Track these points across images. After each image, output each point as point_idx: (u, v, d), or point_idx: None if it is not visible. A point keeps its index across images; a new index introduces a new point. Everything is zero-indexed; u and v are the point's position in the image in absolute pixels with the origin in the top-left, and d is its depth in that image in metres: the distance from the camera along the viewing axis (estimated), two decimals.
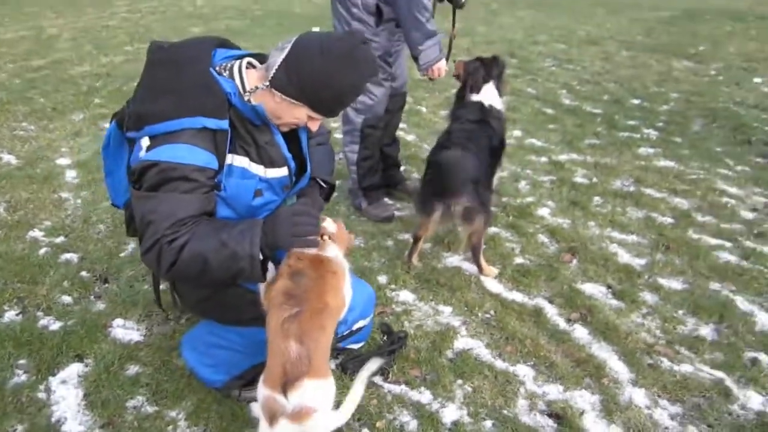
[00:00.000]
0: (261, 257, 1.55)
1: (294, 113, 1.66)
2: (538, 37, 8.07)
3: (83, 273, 2.70)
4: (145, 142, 1.57)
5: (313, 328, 1.50)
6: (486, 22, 9.04)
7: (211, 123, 1.58)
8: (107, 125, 4.48)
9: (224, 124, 1.60)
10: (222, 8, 10.09)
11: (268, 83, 1.62)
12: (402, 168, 3.59)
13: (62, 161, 3.89)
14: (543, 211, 3.30)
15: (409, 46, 2.83)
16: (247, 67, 1.70)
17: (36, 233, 3.01)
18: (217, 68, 1.68)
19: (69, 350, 2.21)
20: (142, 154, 1.57)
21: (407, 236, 3.03)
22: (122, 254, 2.85)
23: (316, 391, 1.45)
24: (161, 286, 2.07)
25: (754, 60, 6.87)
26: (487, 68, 2.81)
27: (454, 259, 2.86)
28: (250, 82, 1.67)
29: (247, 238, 1.53)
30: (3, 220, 3.14)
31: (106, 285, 2.62)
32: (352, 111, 3.07)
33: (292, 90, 1.61)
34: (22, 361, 2.16)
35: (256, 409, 1.96)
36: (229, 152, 1.67)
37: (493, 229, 3.05)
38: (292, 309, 1.50)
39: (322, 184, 1.95)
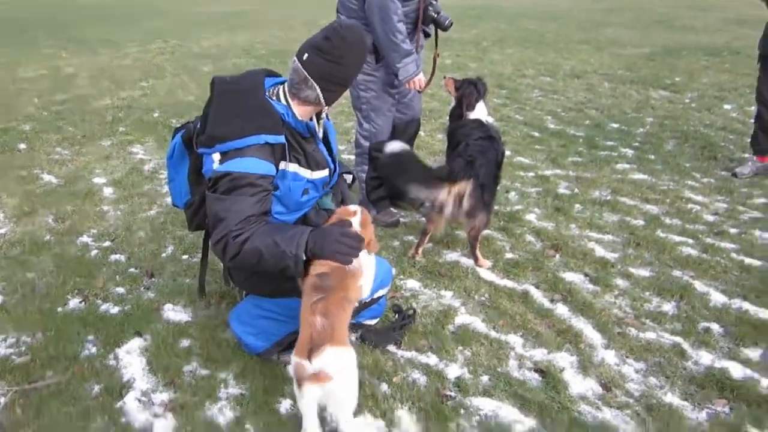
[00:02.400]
0: (304, 258, 1.94)
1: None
2: (526, 71, 8.67)
3: (132, 269, 3.11)
4: (216, 156, 2.01)
5: (335, 306, 1.87)
6: (477, 59, 9.66)
7: (271, 138, 2.03)
8: (134, 150, 4.98)
9: (281, 138, 2.07)
10: (227, 48, 10.70)
11: (326, 106, 2.15)
12: None
13: (98, 180, 4.34)
14: (530, 217, 3.76)
15: (389, 65, 3.29)
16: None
17: (85, 239, 3.44)
18: (268, 92, 2.15)
19: (129, 328, 2.62)
20: (216, 166, 2.01)
21: (411, 237, 3.48)
22: (163, 255, 3.28)
23: (337, 356, 1.78)
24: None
25: (725, 89, 7.45)
26: (477, 88, 3.30)
27: (453, 255, 3.30)
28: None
29: (295, 242, 1.92)
30: (54, 228, 3.57)
31: (153, 279, 3.04)
32: (361, 138, 3.57)
33: (337, 91, 2.13)
34: (90, 337, 2.56)
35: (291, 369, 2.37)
36: (283, 160, 2.12)
37: (486, 232, 3.48)
38: (319, 295, 1.88)
39: (346, 177, 2.44)
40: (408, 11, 3.25)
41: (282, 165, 2.11)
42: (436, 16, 3.35)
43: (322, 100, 2.13)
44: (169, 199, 3.92)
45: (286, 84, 2.19)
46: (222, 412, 2.17)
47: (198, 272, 2.91)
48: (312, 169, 2.20)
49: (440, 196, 2.97)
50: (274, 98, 2.14)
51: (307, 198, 2.24)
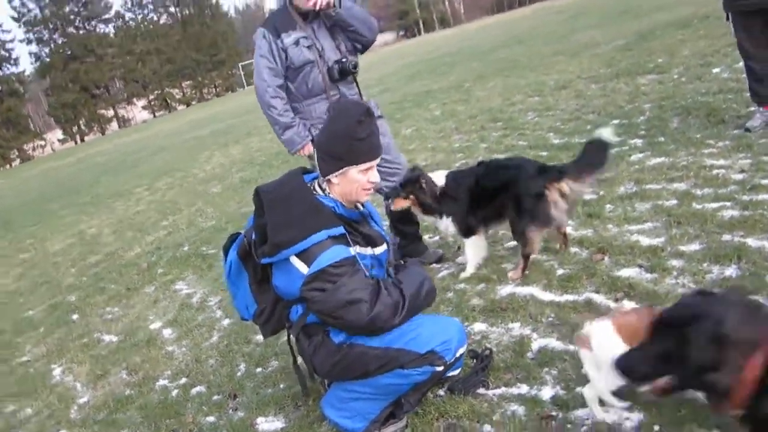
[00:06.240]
0: None
1: (351, 178, 2.34)
2: (514, 98, 8.98)
3: (215, 397, 3.26)
4: (298, 263, 2.21)
5: None
6: (463, 101, 10.04)
7: (333, 231, 2.24)
8: (178, 287, 5.19)
9: (341, 229, 2.27)
10: (229, 165, 11.25)
11: (322, 178, 2.36)
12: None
13: (154, 326, 4.56)
14: (566, 230, 3.86)
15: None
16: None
17: (163, 382, 3.62)
18: (311, 188, 2.40)
19: None
20: (306, 271, 2.20)
21: (462, 285, 3.60)
22: (238, 374, 3.43)
23: None
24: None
25: (707, 55, 7.65)
26: (417, 182, 3.54)
27: (506, 288, 3.42)
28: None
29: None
30: (130, 382, 3.75)
31: (237, 399, 3.18)
32: None
33: (332, 164, 2.33)
34: None
35: None
36: (348, 246, 2.32)
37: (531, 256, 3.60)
38: None
39: None
40: (305, 76, 3.44)
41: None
42: (339, 66, 3.41)
43: (317, 168, 2.37)
44: (226, 321, 4.17)
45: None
46: None
47: (284, 378, 3.07)
48: (372, 247, 2.41)
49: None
50: (318, 193, 2.37)
51: (373, 274, 2.41)
